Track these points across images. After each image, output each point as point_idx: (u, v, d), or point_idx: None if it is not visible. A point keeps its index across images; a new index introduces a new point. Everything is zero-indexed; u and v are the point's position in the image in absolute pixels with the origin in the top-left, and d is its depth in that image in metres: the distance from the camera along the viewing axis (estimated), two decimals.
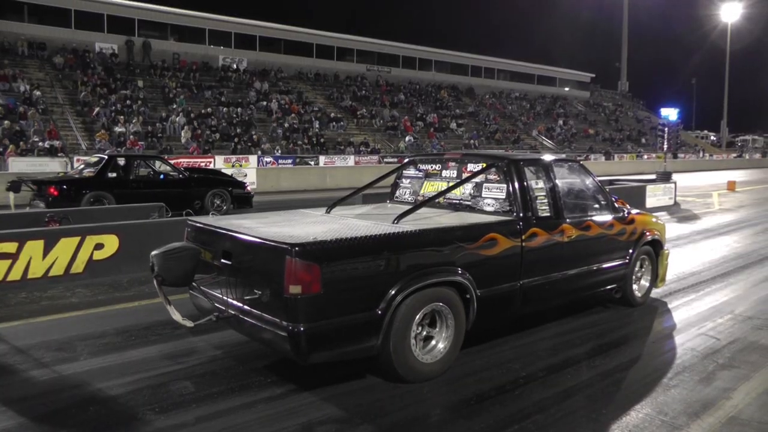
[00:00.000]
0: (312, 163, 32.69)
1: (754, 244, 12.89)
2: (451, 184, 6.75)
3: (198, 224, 5.89)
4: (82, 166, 16.30)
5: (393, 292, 4.85)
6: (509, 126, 53.48)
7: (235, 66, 44.22)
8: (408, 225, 5.43)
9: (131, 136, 29.97)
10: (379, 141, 41.05)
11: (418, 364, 5.13)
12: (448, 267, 5.29)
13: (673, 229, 14.60)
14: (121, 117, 31.24)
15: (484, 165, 6.54)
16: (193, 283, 5.54)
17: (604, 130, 62.33)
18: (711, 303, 8.10)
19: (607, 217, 7.12)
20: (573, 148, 51.86)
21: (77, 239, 8.88)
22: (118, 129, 30.14)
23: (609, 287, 7.32)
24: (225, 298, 5.23)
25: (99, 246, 9.05)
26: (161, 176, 16.52)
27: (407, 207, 6.19)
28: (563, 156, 7.75)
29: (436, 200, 6.55)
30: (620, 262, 7.32)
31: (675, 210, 19.04)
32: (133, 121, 31.37)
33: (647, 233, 7.72)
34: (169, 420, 4.54)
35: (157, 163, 17.00)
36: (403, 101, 49.59)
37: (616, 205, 7.40)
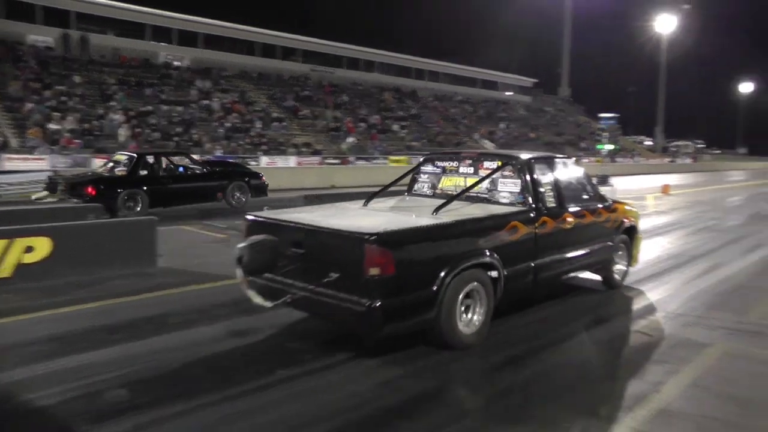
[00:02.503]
0: (254, 163, 32.32)
1: (686, 245, 13.34)
2: (468, 179, 7.69)
3: (261, 218, 6.61)
4: (111, 164, 16.67)
5: (443, 273, 5.72)
6: (452, 129, 54.00)
7: (176, 63, 43.58)
8: (446, 216, 6.37)
9: (66, 134, 29.14)
10: (321, 142, 40.90)
11: (461, 335, 6.01)
12: (483, 250, 6.21)
13: None
14: (56, 114, 30.35)
15: (500, 163, 7.47)
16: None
17: (545, 134, 63.45)
18: (645, 301, 8.38)
19: (596, 207, 8.19)
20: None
21: (4, 242, 8.42)
22: (52, 126, 29.24)
23: (597, 267, 8.49)
24: (295, 282, 5.95)
25: (29, 249, 8.60)
26: (187, 171, 17.16)
27: (426, 199, 7.76)
28: (562, 155, 9.11)
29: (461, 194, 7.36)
30: (607, 246, 8.42)
31: None
32: (69, 118, 30.51)
33: (626, 221, 8.89)
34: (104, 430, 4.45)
35: (181, 159, 17.72)
36: (346, 102, 49.54)
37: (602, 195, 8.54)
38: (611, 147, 30.03)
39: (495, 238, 6.34)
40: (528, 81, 75.94)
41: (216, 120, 37.68)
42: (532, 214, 6.94)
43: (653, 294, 8.79)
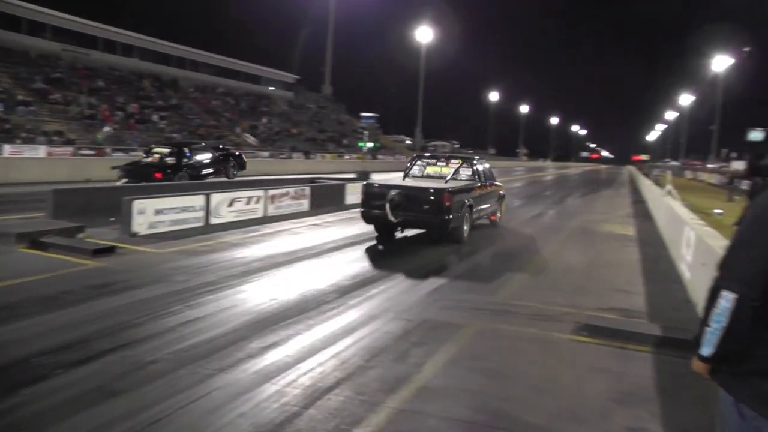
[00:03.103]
0: None
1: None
2: (443, 169, 14.02)
3: (377, 184, 12.97)
4: (158, 155, 21.20)
5: (461, 206, 12.38)
6: (213, 122, 52.65)
7: None
8: (452, 183, 12.89)
9: None
10: (74, 131, 37.66)
11: (464, 236, 12.71)
12: (469, 198, 12.92)
13: (369, 226, 15.36)
14: None
15: (461, 161, 14.36)
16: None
17: (308, 130, 64.19)
18: (405, 289, 8.72)
19: (493, 183, 15.48)
20: (276, 147, 52.67)
21: None
22: None
23: (492, 213, 15.70)
24: (403, 212, 11.92)
25: None
26: (209, 155, 22.79)
27: (424, 178, 13.86)
28: (482, 156, 19.22)
29: (442, 175, 13.78)
30: (496, 203, 15.86)
31: None
32: None
33: (501, 192, 16.54)
34: None
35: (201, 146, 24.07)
36: (102, 88, 46.02)
37: (481, 165, 14.98)
38: (372, 145, 31.11)
39: (471, 194, 13.20)
40: (291, 77, 76.13)
41: None
42: (478, 184, 13.91)
43: (411, 282, 9.18)
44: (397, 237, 13.14)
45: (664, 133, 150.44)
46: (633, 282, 9.95)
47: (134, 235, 11.66)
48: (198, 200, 13.09)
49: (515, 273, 10.32)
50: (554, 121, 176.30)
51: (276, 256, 10.69)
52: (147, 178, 18.75)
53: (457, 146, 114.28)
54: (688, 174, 77.41)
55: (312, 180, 20.65)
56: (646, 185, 32.96)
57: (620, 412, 4.89)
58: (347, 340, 6.24)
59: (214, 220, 13.37)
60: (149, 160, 21.21)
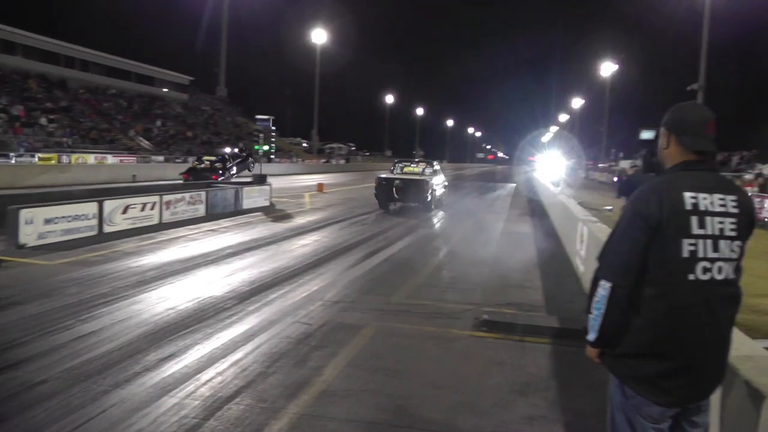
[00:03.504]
0: None
1: (340, 238, 14.19)
2: (415, 168, 22.50)
3: (385, 176, 20.98)
4: (207, 162, 30.15)
5: (434, 189, 21.25)
6: (105, 125, 50.60)
7: None
8: (426, 176, 21.24)
9: None
10: None
11: (432, 206, 21.06)
12: (434, 183, 21.20)
13: (268, 229, 15.42)
14: None
15: (426, 163, 22.97)
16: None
17: (203, 133, 62.83)
18: (304, 292, 8.67)
19: (443, 175, 24.07)
20: (171, 150, 51.29)
21: None
22: None
23: (442, 198, 23.11)
24: (401, 195, 20.61)
25: None
26: (239, 160, 32.44)
27: (404, 174, 21.85)
28: (437, 161, 25.24)
29: (422, 173, 22.03)
30: (443, 189, 23.38)
31: (271, 210, 19.93)
32: None
33: (446, 182, 24.53)
34: None
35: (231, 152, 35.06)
36: None
37: (437, 165, 24.02)
38: (267, 148, 31.01)
39: (437, 181, 21.76)
40: (185, 78, 74.04)
41: None
42: (439, 177, 22.51)
43: (311, 285, 9.16)
44: (390, 208, 21.15)
45: (557, 134, 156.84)
46: (530, 277, 10.34)
47: (22, 246, 11.11)
48: (90, 208, 12.62)
49: (413, 274, 10.49)
50: (450, 123, 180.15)
51: (172, 263, 10.46)
52: (206, 180, 25.36)
53: (353, 149, 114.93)
54: (581, 173, 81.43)
55: (208, 185, 20.31)
56: (541, 184, 34.09)
57: (519, 402, 5.10)
58: (247, 347, 6.20)
59: (108, 228, 12.93)
60: (203, 166, 29.93)
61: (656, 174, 3.00)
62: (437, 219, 19.64)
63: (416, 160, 26.32)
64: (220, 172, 28.79)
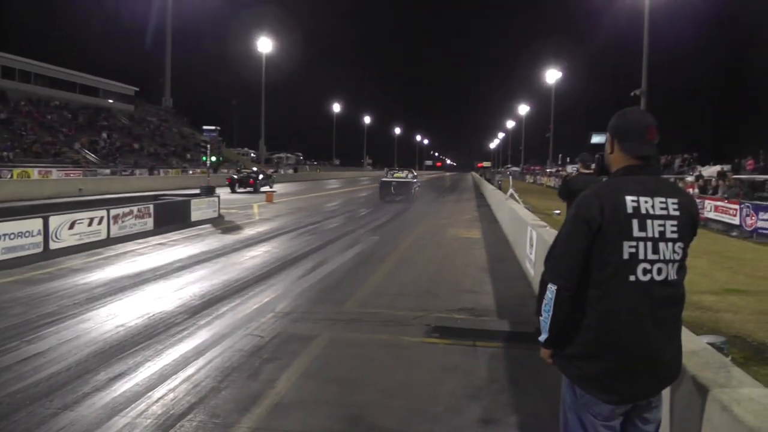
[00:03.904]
0: None
1: (290, 248, 14.11)
2: (403, 173, 35.95)
3: (385, 180, 32.95)
4: (245, 173, 41.29)
5: (415, 186, 33.67)
6: (49, 137, 49.18)
7: None
8: (411, 179, 33.51)
9: None
10: None
11: (414, 198, 32.88)
12: (416, 185, 33.85)
13: (218, 241, 15.24)
14: None
15: (409, 170, 37.00)
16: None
17: (150, 144, 61.78)
18: (255, 305, 8.61)
19: (416, 179, 35.11)
20: (118, 163, 50.28)
21: None
22: None
23: (415, 193, 33.98)
24: (397, 191, 32.55)
25: None
26: (264, 177, 41.15)
27: (394, 177, 33.81)
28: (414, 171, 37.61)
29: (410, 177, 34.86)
30: (419, 187, 36.29)
31: (220, 222, 19.68)
32: None
33: (419, 182, 37.93)
34: None
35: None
36: None
37: (415, 172, 38.51)
38: (214, 159, 30.95)
39: (416, 183, 33.76)
40: (130, 89, 72.56)
41: None
42: (416, 180, 34.38)
43: (262, 297, 9.10)
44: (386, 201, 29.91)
45: (504, 140, 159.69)
46: (481, 282, 10.46)
47: None
48: (35, 224, 12.25)
49: (364, 282, 10.50)
50: (398, 131, 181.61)
51: (121, 279, 10.25)
52: (246, 185, 38.67)
53: (301, 158, 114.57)
54: (529, 178, 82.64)
55: (156, 197, 19.98)
56: (490, 190, 35.05)
57: (473, 406, 5.16)
58: (199, 362, 6.13)
59: (54, 245, 12.58)
60: (242, 175, 40.12)
61: (602, 177, 3.08)
62: (383, 228, 19.60)
63: (398, 168, 43.64)
64: (251, 180, 38.87)
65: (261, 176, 40.49)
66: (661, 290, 2.56)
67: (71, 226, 13.13)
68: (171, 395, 5.27)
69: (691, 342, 3.30)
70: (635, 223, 2.55)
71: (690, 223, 2.65)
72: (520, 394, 5.43)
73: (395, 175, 34.12)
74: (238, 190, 37.80)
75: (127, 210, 15.35)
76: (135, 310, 8.21)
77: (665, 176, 2.96)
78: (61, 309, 8.15)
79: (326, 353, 6.52)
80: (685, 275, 2.66)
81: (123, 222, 15.02)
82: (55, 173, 39.64)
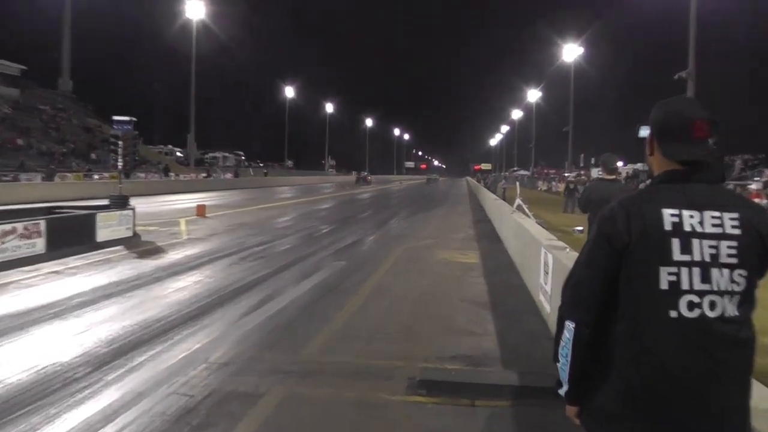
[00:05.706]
0: None
1: (230, 277, 14.08)
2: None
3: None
4: (365, 174, 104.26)
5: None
6: None
7: None
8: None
9: None
10: None
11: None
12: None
13: (133, 268, 15.10)
14: None
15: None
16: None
17: (41, 140, 61.36)
18: (182, 353, 8.50)
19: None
20: None
21: None
22: None
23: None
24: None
25: None
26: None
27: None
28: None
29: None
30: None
31: (135, 243, 19.47)
32: None
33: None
34: None
35: None
36: None
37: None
38: (128, 158, 30.46)
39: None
40: (15, 68, 72.21)
41: None
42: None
43: (191, 342, 9.00)
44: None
45: (508, 135, 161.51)
46: (480, 320, 10.47)
47: None
48: None
49: (326, 321, 10.45)
50: (370, 123, 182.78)
51: (0, 320, 10.10)
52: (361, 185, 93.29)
53: (243, 158, 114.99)
54: (542, 185, 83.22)
55: (49, 210, 19.76)
56: (491, 201, 34.92)
57: None
58: (107, 431, 6.01)
59: None
60: (361, 176, 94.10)
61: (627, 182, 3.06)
62: (351, 250, 19.61)
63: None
64: (365, 180, 61.35)
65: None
66: (718, 329, 2.49)
67: None
68: None
69: (764, 399, 3.27)
70: (676, 243, 2.49)
71: (758, 244, 2.55)
72: None
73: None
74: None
75: (8, 228, 15.14)
76: (19, 361, 8.03)
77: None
78: None
79: (277, 417, 6.43)
80: (753, 310, 2.58)
81: (2, 244, 14.82)
82: None
